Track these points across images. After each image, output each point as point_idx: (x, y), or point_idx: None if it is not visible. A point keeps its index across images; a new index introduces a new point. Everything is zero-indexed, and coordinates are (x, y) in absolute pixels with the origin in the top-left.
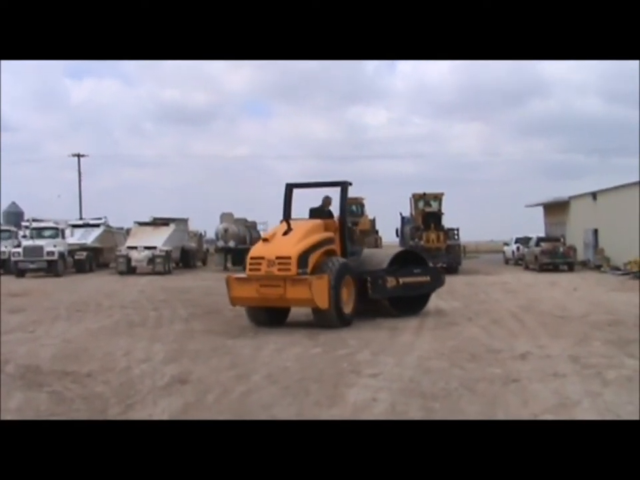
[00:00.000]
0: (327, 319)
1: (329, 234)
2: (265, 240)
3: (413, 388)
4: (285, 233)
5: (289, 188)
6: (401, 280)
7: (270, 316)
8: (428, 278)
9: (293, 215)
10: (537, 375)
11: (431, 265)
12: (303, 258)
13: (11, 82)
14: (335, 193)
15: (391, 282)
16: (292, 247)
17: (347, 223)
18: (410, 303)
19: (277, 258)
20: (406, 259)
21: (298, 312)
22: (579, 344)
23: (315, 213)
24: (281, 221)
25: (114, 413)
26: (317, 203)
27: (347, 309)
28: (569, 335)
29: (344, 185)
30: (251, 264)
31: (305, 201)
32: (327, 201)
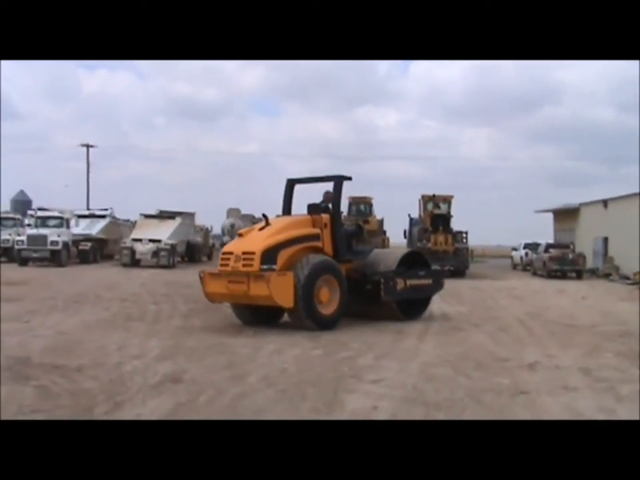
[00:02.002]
0: (298, 320)
1: (313, 230)
2: (240, 235)
3: (415, 396)
4: (262, 229)
5: (290, 183)
6: (408, 282)
7: (257, 315)
8: (430, 281)
9: (295, 211)
10: (546, 387)
11: (433, 267)
12: (269, 254)
13: (22, 71)
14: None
15: (399, 284)
16: (260, 242)
17: (339, 219)
18: (413, 306)
19: (243, 253)
20: (410, 261)
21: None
22: (589, 355)
23: (311, 209)
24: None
25: (100, 412)
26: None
27: (327, 310)
28: (578, 345)
29: (338, 180)
30: (222, 259)
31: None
32: (327, 196)
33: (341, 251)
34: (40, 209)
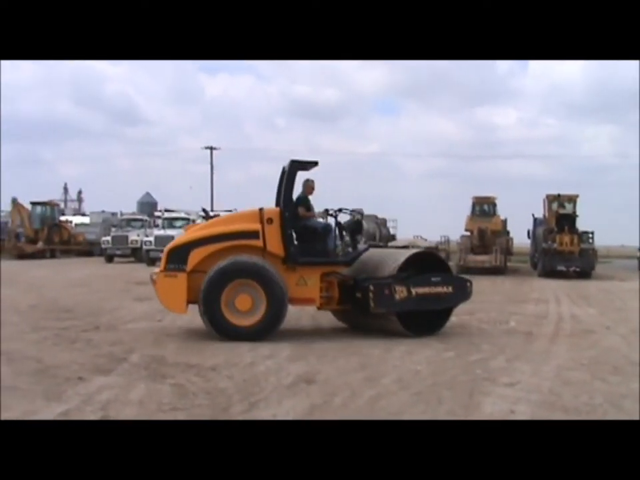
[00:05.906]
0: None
1: (248, 226)
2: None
3: (553, 400)
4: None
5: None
6: (414, 290)
7: None
8: (450, 288)
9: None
10: None
11: (455, 274)
12: (178, 253)
13: (148, 77)
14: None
15: (400, 292)
16: (177, 239)
17: (288, 212)
18: (426, 320)
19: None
20: (421, 263)
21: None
22: None
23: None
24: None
25: (237, 411)
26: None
27: (245, 320)
28: None
29: (291, 166)
30: None
31: None
32: (308, 185)
33: (291, 252)
34: (167, 210)
